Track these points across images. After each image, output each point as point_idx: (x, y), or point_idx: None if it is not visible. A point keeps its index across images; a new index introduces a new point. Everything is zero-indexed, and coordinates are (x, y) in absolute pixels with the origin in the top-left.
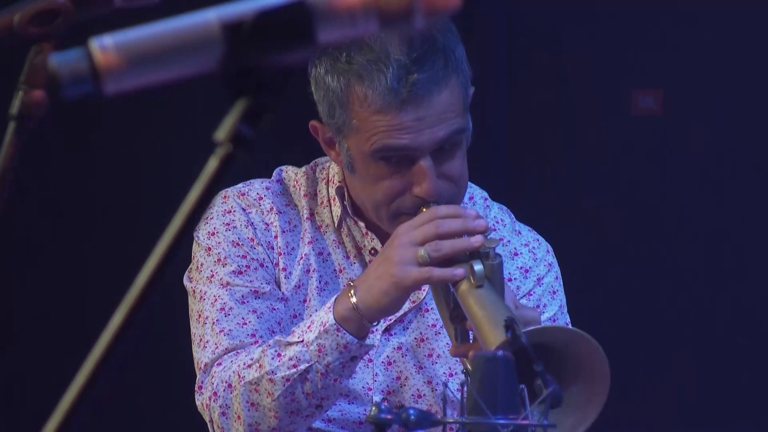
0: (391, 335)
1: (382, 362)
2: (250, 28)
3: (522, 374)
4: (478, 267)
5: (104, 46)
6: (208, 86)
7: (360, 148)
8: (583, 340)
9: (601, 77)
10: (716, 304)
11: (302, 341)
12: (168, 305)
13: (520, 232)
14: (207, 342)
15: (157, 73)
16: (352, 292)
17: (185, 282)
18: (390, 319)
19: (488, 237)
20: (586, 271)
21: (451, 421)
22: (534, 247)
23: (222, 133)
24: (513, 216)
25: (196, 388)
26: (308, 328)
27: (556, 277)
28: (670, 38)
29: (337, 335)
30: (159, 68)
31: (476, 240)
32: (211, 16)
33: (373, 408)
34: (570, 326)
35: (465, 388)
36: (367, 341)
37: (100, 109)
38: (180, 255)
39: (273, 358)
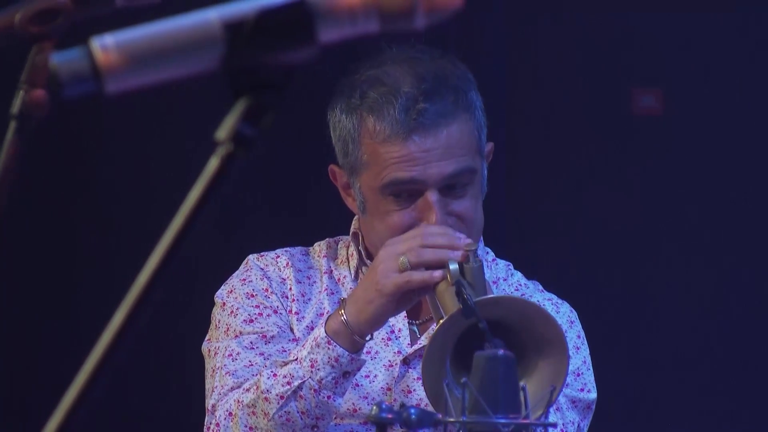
0: (410, 367)
1: (402, 390)
2: (251, 28)
3: (477, 345)
4: (453, 267)
5: (105, 45)
6: (209, 86)
7: (371, 185)
8: (536, 311)
9: (601, 76)
10: (716, 304)
11: (296, 359)
12: (168, 305)
13: (543, 291)
14: (215, 387)
15: (158, 72)
16: (342, 310)
17: (203, 347)
18: (408, 351)
19: (468, 243)
20: (584, 269)
21: (452, 420)
22: (557, 303)
23: (223, 132)
24: (540, 285)
25: (205, 430)
26: (302, 346)
27: (579, 336)
28: (669, 37)
29: (328, 348)
30: (160, 67)
31: (456, 255)
32: (212, 15)
33: (374, 408)
34: (590, 373)
35: (466, 388)
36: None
37: (100, 108)
38: (180, 255)
39: (268, 378)
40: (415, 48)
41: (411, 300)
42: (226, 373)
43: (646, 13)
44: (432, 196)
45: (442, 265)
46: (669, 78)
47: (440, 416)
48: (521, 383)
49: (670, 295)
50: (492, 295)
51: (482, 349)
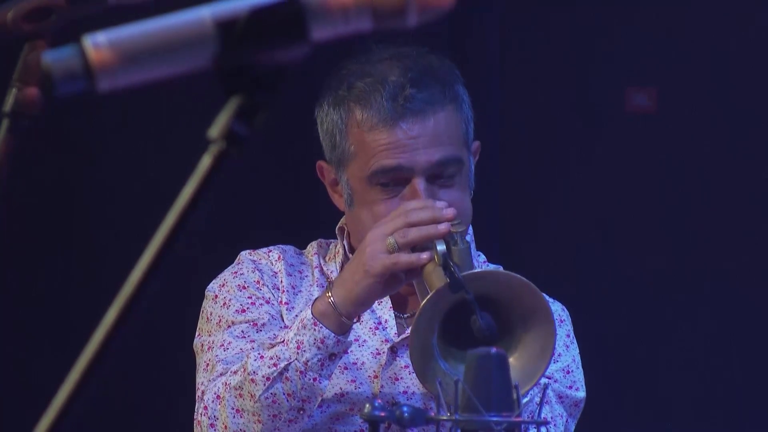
0: (397, 356)
1: (390, 377)
2: (243, 26)
3: (464, 324)
4: (440, 247)
5: (98, 43)
6: (202, 84)
7: (358, 175)
8: (521, 285)
9: (595, 75)
10: (711, 302)
11: (283, 341)
12: (163, 305)
13: None
14: (206, 378)
15: (150, 70)
16: (329, 292)
17: (194, 343)
18: (395, 340)
19: (456, 224)
20: (577, 268)
21: (444, 418)
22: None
23: (215, 130)
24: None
25: (194, 417)
26: (289, 328)
27: (568, 335)
28: (663, 35)
29: (315, 329)
30: (152, 65)
31: (443, 227)
32: (204, 13)
33: (367, 405)
34: (574, 356)
35: (458, 386)
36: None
37: (93, 106)
38: (173, 253)
39: (255, 360)
40: (401, 45)
41: (399, 282)
42: (217, 362)
43: (640, 11)
44: (419, 183)
45: (429, 240)
46: (663, 76)
47: (433, 414)
48: (514, 382)
49: (664, 294)
50: (478, 270)
51: (469, 324)
